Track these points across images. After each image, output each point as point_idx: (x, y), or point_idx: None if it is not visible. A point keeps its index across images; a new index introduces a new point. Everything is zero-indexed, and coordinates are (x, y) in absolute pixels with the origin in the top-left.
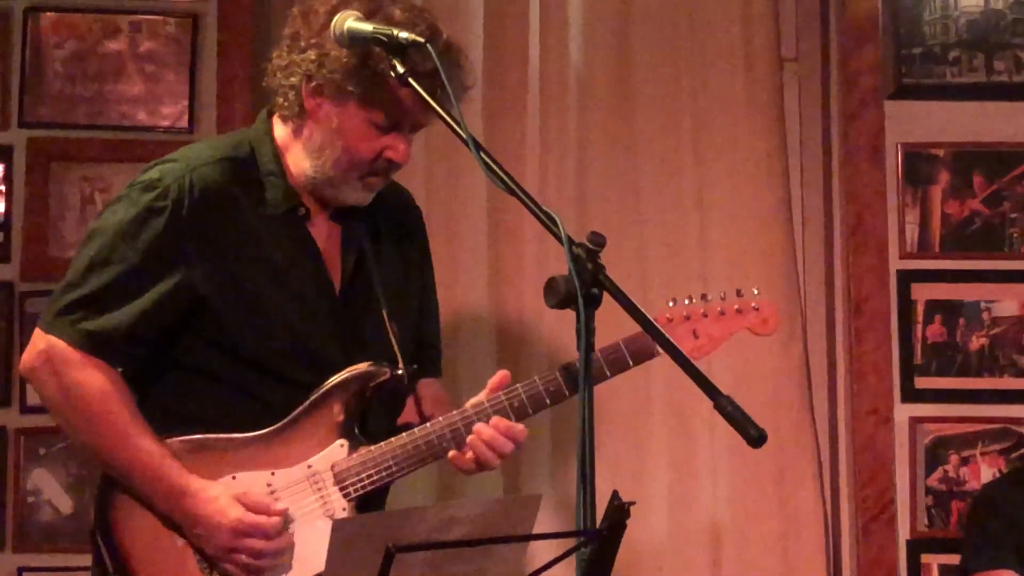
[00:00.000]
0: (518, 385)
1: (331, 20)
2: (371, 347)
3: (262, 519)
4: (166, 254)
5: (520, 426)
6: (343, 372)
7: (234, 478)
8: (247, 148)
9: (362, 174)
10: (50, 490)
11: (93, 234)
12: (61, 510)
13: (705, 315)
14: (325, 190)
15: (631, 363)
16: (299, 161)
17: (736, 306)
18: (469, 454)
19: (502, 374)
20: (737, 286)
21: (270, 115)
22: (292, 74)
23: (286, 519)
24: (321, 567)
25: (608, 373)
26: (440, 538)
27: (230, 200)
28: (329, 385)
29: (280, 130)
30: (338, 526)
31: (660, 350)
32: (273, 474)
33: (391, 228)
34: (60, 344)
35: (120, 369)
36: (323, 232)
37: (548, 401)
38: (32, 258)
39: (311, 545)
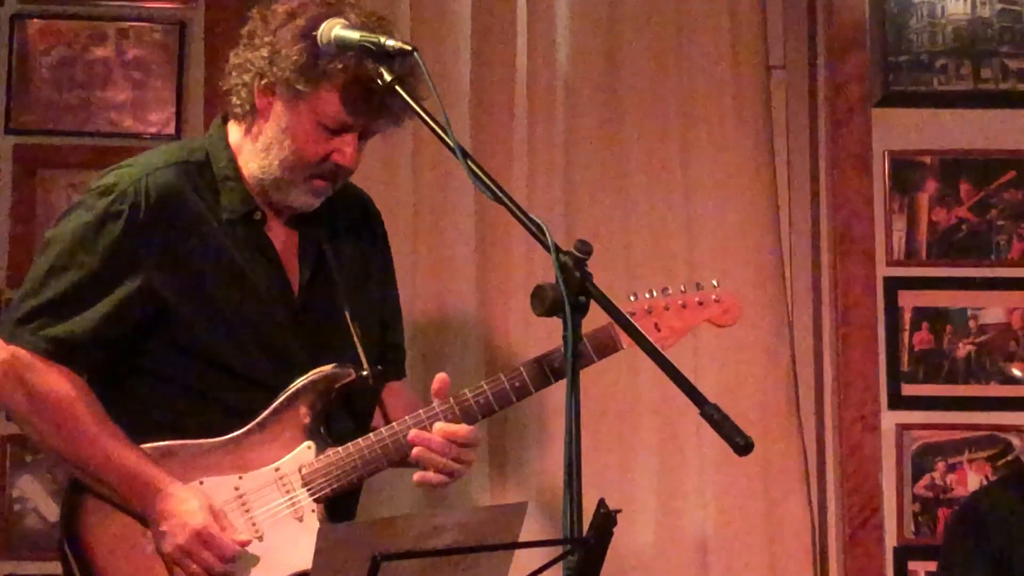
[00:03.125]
0: (483, 382)
1: (289, 21)
2: (335, 348)
3: (225, 539)
4: (124, 258)
5: (462, 427)
6: (308, 374)
7: (201, 483)
8: (202, 153)
9: (308, 175)
10: (37, 497)
11: (51, 241)
12: (48, 517)
13: (667, 308)
14: (272, 192)
15: (595, 357)
16: (249, 163)
17: (697, 298)
18: (430, 471)
19: (440, 378)
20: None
21: (225, 120)
22: (245, 72)
23: (248, 544)
24: (291, 570)
25: None
26: (426, 546)
27: (186, 204)
28: (295, 387)
29: (234, 133)
30: (324, 533)
31: (623, 344)
32: (241, 478)
33: (351, 231)
34: (22, 352)
35: (85, 376)
36: (281, 236)
37: (513, 398)
38: (18, 265)
39: (281, 548)
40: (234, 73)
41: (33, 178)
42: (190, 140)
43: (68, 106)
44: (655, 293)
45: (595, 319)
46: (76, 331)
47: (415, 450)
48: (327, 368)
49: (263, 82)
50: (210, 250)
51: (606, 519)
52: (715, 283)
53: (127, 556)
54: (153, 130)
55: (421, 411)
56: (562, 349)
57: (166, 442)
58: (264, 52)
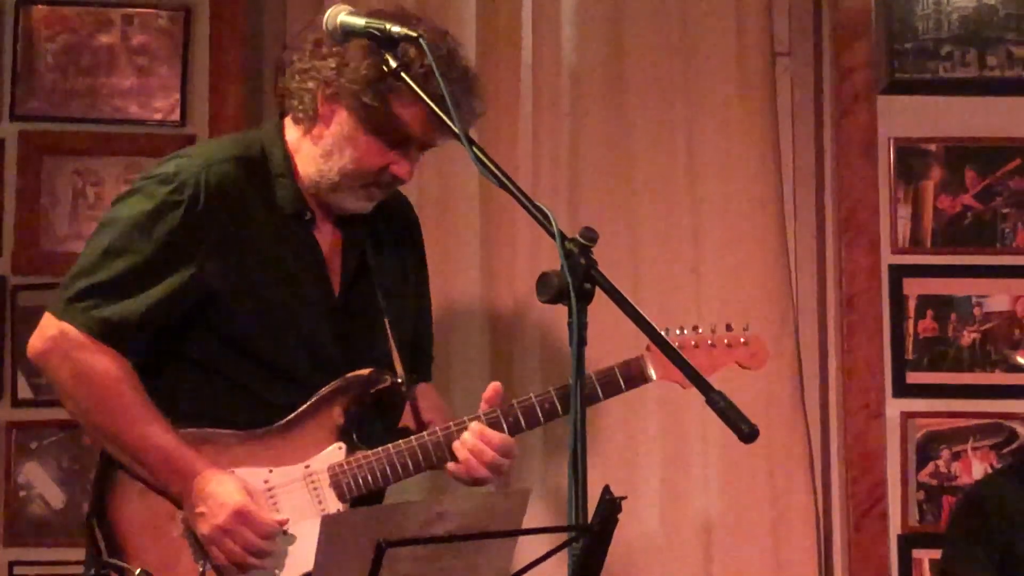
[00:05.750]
0: (514, 401)
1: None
2: (371, 352)
3: (264, 515)
4: (180, 247)
5: (497, 434)
6: (346, 376)
7: (232, 472)
8: (258, 148)
9: (364, 183)
10: (42, 484)
11: (107, 224)
12: (52, 504)
13: (696, 346)
14: (327, 195)
15: (624, 387)
16: (306, 164)
17: (726, 340)
18: (461, 465)
19: (494, 386)
20: (729, 280)
21: (282, 117)
22: (311, 79)
23: (284, 529)
24: (311, 567)
25: (601, 395)
26: (430, 533)
27: (243, 198)
28: (331, 388)
29: (292, 132)
30: (328, 521)
31: (653, 376)
32: (271, 471)
33: (391, 236)
34: (71, 330)
35: (130, 360)
36: (327, 238)
37: (542, 418)
38: (24, 252)
39: (304, 544)
40: (298, 77)
41: (38, 164)
42: (245, 133)
43: (73, 93)
44: (685, 331)
45: (599, 314)
46: (126, 314)
47: (455, 444)
48: (364, 372)
49: (328, 91)
50: (262, 246)
51: (611, 506)
52: (745, 327)
53: (154, 537)
54: (158, 117)
55: (451, 422)
56: (595, 376)
57: (201, 428)
58: (332, 63)
